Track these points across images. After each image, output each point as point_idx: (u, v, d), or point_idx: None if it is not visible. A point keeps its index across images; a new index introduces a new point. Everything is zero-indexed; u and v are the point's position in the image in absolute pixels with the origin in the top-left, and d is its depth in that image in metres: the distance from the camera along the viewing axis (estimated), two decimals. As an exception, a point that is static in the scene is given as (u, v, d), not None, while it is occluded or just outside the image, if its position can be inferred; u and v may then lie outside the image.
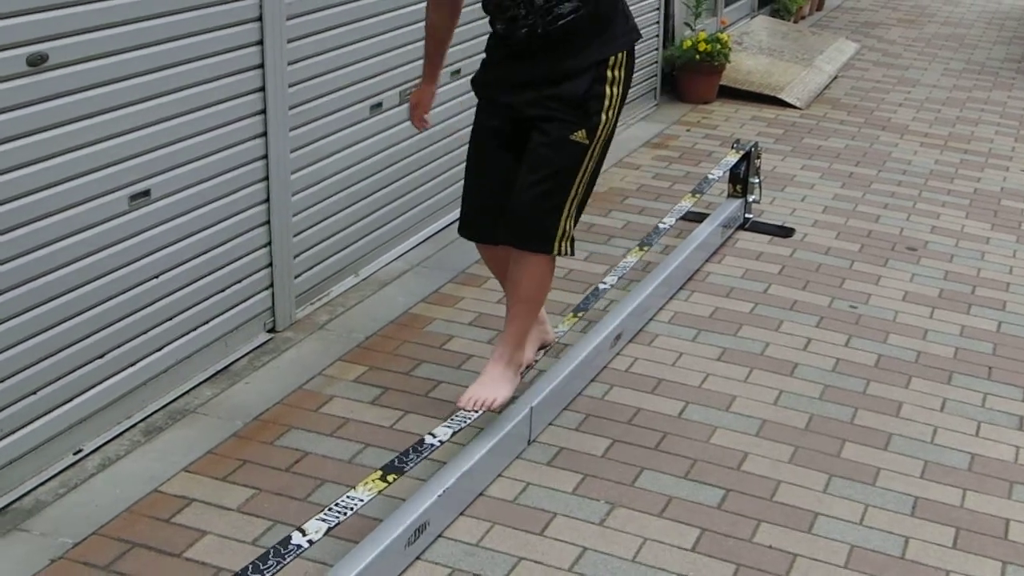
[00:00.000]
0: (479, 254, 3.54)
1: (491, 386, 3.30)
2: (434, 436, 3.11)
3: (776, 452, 3.52)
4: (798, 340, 4.24)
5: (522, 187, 3.17)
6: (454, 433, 3.14)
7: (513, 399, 3.38)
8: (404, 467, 2.97)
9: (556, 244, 3.20)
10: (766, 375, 3.98)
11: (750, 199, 5.21)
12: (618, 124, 3.25)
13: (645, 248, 4.31)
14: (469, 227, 3.42)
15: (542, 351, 3.62)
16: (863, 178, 6.10)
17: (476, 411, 3.24)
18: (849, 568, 3.01)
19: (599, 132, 3.17)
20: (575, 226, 3.25)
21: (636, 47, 3.27)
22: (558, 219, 3.18)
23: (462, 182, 3.44)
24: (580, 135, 3.14)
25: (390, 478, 2.92)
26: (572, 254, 3.27)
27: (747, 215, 5.25)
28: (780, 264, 4.91)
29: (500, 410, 3.32)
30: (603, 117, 3.16)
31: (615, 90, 3.18)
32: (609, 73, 3.16)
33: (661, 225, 4.49)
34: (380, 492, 2.86)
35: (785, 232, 5.24)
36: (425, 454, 3.03)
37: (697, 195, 4.78)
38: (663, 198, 5.55)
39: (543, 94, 3.15)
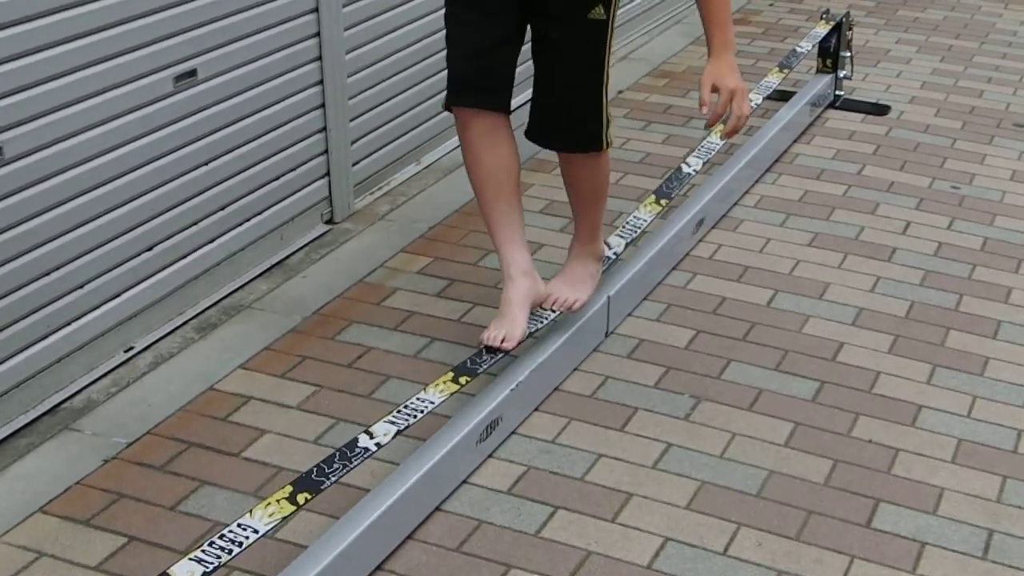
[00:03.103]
0: (463, 124, 3.06)
1: (573, 285, 3.21)
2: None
3: (874, 342, 3.41)
4: (896, 224, 4.11)
5: (552, 87, 3.02)
6: (531, 333, 3.06)
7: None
8: (477, 368, 2.92)
9: (604, 137, 3.07)
10: (862, 261, 3.86)
11: (841, 75, 5.05)
12: None
13: (730, 126, 4.16)
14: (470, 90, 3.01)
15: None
16: (964, 51, 5.87)
17: (555, 311, 3.16)
18: (957, 463, 2.91)
19: (613, 3, 2.98)
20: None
21: None
22: (600, 110, 3.04)
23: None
24: (598, 11, 2.95)
25: (462, 380, 2.86)
26: (613, 143, 3.12)
27: (838, 92, 5.09)
28: (875, 144, 4.75)
29: (578, 311, 3.22)
30: None
31: None
32: None
33: (747, 102, 4.32)
34: (452, 395, 2.82)
35: (880, 110, 5.07)
36: (499, 356, 2.97)
37: (784, 70, 4.62)
38: (746, 77, 5.27)
39: None
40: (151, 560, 2.52)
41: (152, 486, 2.75)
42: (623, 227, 3.60)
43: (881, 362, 3.32)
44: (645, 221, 3.63)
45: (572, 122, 3.06)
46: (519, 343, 2.99)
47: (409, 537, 2.61)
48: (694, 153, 4.02)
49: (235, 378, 3.17)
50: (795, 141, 4.71)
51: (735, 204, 4.18)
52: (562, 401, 3.11)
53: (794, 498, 2.78)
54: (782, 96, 4.90)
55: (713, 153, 4.02)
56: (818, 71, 5.04)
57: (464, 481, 2.80)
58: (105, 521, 2.64)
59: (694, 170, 3.90)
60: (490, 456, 2.89)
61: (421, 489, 2.62)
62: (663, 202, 3.73)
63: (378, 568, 2.52)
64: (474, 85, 3.01)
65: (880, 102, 5.15)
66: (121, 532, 2.61)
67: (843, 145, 4.73)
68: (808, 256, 3.88)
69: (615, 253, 3.48)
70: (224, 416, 3.01)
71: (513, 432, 2.97)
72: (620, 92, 5.21)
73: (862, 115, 5.02)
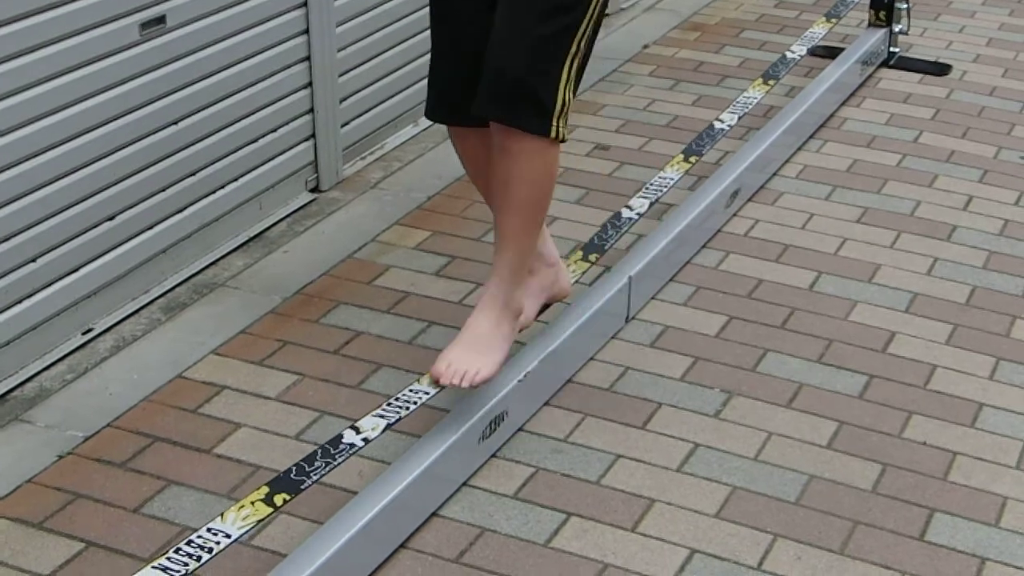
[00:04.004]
0: (454, 136, 3.01)
1: (473, 350, 2.75)
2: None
3: (931, 331, 3.43)
4: (956, 198, 4.12)
5: (504, 37, 2.60)
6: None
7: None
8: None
9: (553, 122, 2.62)
10: (917, 240, 3.87)
11: (896, 29, 5.06)
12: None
13: (770, 83, 4.18)
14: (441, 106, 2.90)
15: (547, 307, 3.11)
16: (1037, 3, 5.90)
17: (453, 384, 2.72)
18: (1022, 469, 2.92)
19: None
20: (574, 98, 2.68)
21: None
22: (556, 83, 2.60)
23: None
24: None
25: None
26: (566, 139, 2.68)
27: (892, 49, 5.10)
28: (933, 107, 4.77)
29: (478, 386, 2.76)
30: None
31: None
32: None
33: (789, 55, 4.35)
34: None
35: (940, 69, 5.09)
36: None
37: (832, 20, 4.63)
38: (788, 30, 5.40)
39: None
40: (111, 568, 2.53)
41: (113, 485, 2.76)
42: (647, 187, 3.61)
43: (938, 354, 3.33)
44: (671, 180, 3.64)
45: (510, 80, 2.59)
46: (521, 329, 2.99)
47: (402, 546, 2.62)
48: (728, 109, 4.03)
49: (207, 365, 3.18)
50: (843, 104, 4.72)
51: (774, 174, 4.19)
52: (576, 394, 3.12)
53: (838, 507, 2.79)
54: (829, 52, 4.92)
55: (750, 108, 4.02)
56: (870, 24, 5.03)
57: (464, 483, 2.81)
58: (60, 524, 2.65)
59: (728, 125, 3.91)
60: (494, 456, 2.90)
61: (415, 492, 2.62)
62: (692, 159, 3.74)
63: (367, 580, 2.54)
64: (455, 100, 2.82)
65: (940, 60, 5.16)
66: (78, 536, 2.62)
67: (897, 109, 4.73)
68: (856, 234, 3.89)
69: (638, 214, 3.47)
70: (194, 408, 3.02)
71: (520, 429, 2.98)
72: (645, 47, 5.21)
73: (919, 75, 5.03)
